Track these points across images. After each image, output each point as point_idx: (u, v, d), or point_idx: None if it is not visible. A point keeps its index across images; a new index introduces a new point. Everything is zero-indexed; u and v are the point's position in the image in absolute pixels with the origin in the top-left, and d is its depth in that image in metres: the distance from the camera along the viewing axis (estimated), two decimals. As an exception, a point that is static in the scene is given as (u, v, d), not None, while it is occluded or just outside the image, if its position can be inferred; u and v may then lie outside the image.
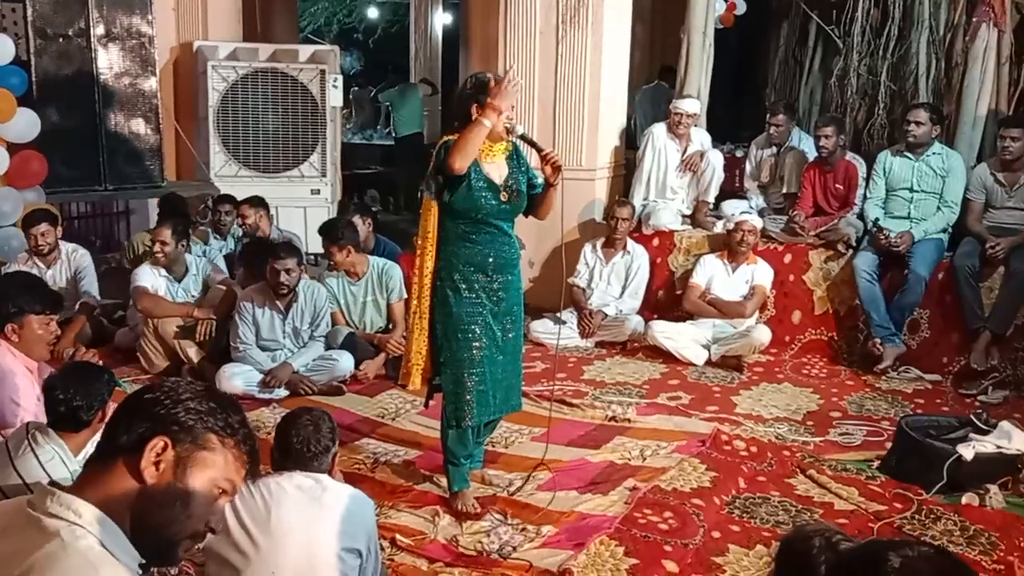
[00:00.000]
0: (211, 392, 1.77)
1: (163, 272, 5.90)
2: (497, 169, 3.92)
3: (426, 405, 4.43)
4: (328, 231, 6.06)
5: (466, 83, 3.93)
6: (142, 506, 1.65)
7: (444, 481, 4.27)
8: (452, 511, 4.00)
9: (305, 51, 8.72)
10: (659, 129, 7.31)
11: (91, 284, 6.33)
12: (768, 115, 7.39)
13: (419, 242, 3.98)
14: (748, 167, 7.56)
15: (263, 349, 5.62)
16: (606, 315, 6.72)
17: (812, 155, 6.98)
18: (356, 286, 6.02)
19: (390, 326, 6.13)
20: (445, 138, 3.87)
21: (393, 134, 13.64)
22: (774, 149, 7.33)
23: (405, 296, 5.89)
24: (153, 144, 7.61)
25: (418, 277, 3.98)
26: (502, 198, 3.89)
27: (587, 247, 7.02)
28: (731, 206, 7.24)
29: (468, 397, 3.95)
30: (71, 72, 7.19)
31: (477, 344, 3.94)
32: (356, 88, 15.75)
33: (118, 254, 7.07)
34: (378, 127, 15.58)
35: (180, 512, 1.67)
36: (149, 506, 1.65)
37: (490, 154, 3.90)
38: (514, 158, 3.99)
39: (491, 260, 3.94)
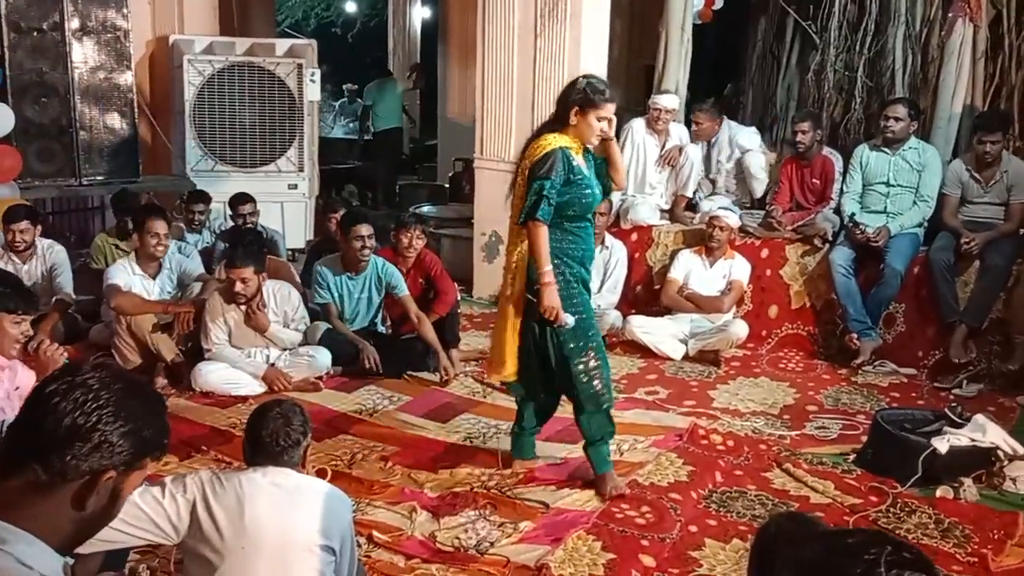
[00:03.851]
0: (133, 407, 1.65)
1: (137, 270, 5.83)
2: (584, 163, 4.07)
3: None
4: (367, 217, 6.12)
5: (577, 81, 4.07)
6: (75, 528, 1.62)
7: (421, 476, 4.28)
8: (601, 494, 4.09)
9: (282, 45, 8.67)
10: (638, 124, 7.31)
11: (66, 281, 6.26)
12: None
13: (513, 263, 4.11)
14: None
15: (235, 347, 5.58)
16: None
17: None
18: (354, 281, 5.97)
19: (385, 323, 6.18)
20: (546, 147, 3.96)
21: (371, 128, 13.58)
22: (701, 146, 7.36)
23: (408, 292, 5.92)
24: (128, 138, 7.57)
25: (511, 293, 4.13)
26: (596, 190, 4.09)
27: (565, 242, 7.00)
28: (708, 201, 7.26)
29: (603, 380, 4.12)
30: (45, 66, 7.14)
31: (593, 330, 4.14)
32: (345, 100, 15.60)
33: (90, 251, 7.00)
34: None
35: (110, 517, 1.67)
36: (86, 527, 1.64)
37: (579, 151, 4.05)
38: (585, 151, 4.12)
39: (589, 254, 4.17)
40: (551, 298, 3.94)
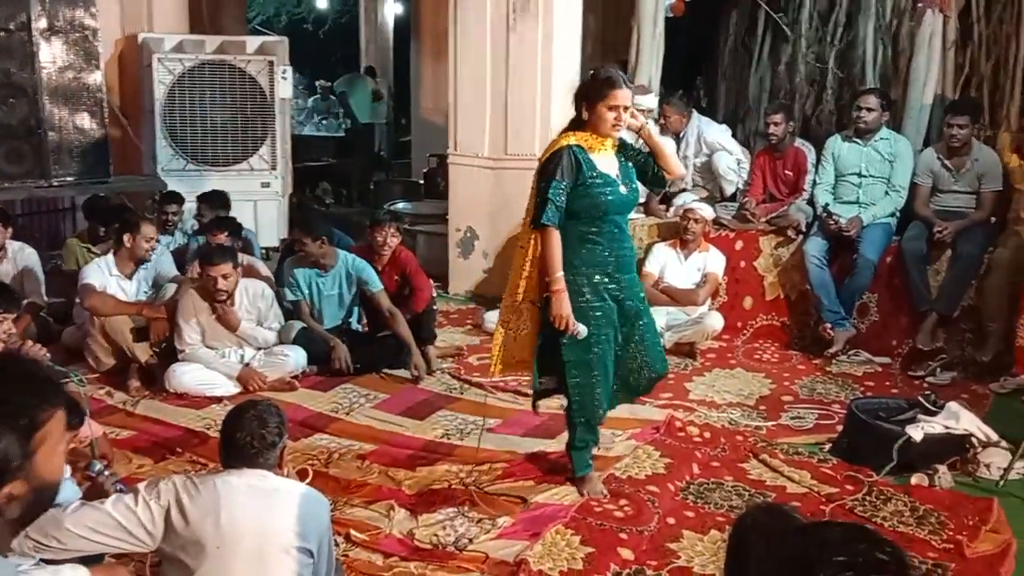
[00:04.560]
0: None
1: (114, 270, 5.79)
2: (609, 161, 3.90)
3: (534, 408, 4.38)
4: (304, 224, 6.06)
5: (588, 75, 3.93)
6: (24, 514, 1.62)
7: (399, 474, 4.27)
8: (580, 494, 4.06)
9: (253, 42, 8.61)
10: None
11: (38, 283, 6.22)
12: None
13: (519, 262, 3.99)
14: None
15: (210, 348, 5.53)
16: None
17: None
18: (324, 279, 5.93)
19: (361, 321, 6.16)
20: (554, 148, 3.87)
21: (345, 125, 13.53)
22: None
23: (382, 287, 5.87)
24: (99, 138, 7.48)
25: (510, 295, 4.04)
26: (621, 190, 3.88)
27: (540, 237, 6.99)
28: (683, 196, 7.26)
29: (595, 396, 3.99)
30: (13, 66, 7.04)
31: (599, 347, 3.93)
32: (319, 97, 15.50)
33: (61, 253, 6.94)
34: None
35: (51, 480, 1.63)
36: (33, 506, 1.62)
37: (601, 148, 3.88)
38: (621, 149, 3.98)
39: (612, 259, 3.92)
40: (559, 306, 3.81)
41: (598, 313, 3.91)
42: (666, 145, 4.11)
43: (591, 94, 3.82)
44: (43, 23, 7.12)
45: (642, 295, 4.12)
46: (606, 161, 3.89)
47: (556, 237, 3.83)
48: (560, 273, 3.82)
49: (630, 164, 4.00)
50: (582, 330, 3.84)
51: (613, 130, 3.84)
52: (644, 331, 4.10)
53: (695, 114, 7.40)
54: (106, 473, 2.92)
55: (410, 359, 5.70)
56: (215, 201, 7.08)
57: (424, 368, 5.71)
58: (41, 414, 1.59)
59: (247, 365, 5.50)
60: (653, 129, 3.95)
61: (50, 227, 8.65)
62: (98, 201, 7.06)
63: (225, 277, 5.39)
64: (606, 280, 3.92)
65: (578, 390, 4.00)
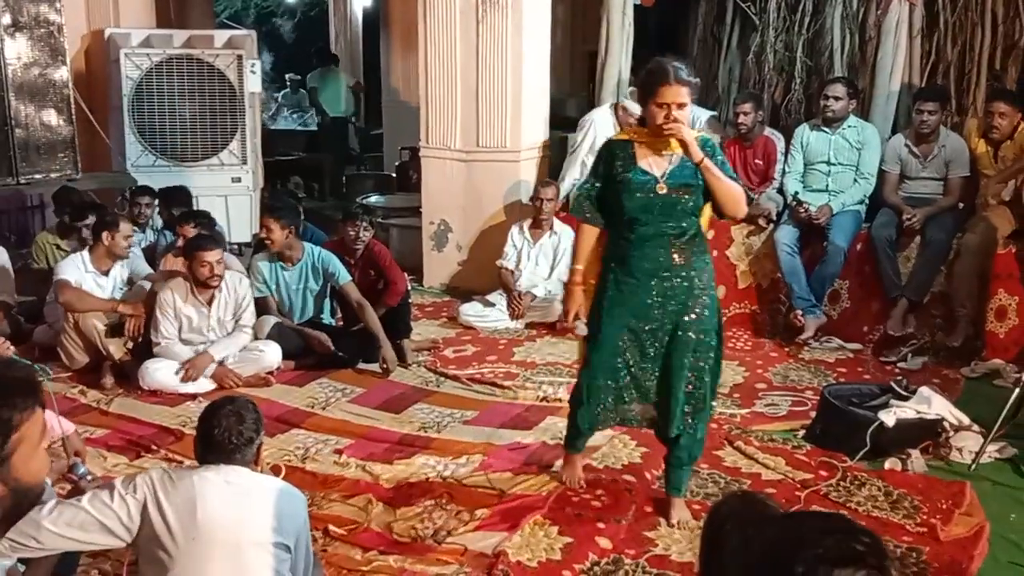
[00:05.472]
0: None
1: (90, 267, 5.74)
2: (658, 162, 3.62)
3: None
4: (272, 208, 6.02)
5: (644, 70, 3.73)
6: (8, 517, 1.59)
7: (376, 468, 4.27)
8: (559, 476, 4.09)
9: (221, 36, 8.54)
10: (602, 118, 7.27)
11: (8, 282, 6.15)
12: None
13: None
14: None
15: (186, 343, 5.49)
16: (535, 296, 6.72)
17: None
18: (290, 272, 5.90)
19: (335, 315, 6.16)
20: (619, 138, 3.84)
21: (317, 121, 13.44)
22: None
23: (350, 278, 5.85)
24: (66, 135, 7.40)
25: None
26: (659, 190, 3.57)
27: (514, 228, 7.01)
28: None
29: (593, 399, 3.84)
30: (-23, 64, 6.96)
31: (611, 354, 3.74)
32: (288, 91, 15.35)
33: (31, 251, 6.87)
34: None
35: (34, 495, 1.62)
36: (7, 521, 1.59)
37: (656, 145, 3.61)
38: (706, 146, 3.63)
39: (645, 264, 3.64)
40: (568, 299, 3.87)
41: (616, 311, 3.70)
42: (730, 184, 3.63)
43: (642, 91, 3.61)
44: (7, 19, 7.02)
45: (696, 321, 3.66)
46: (655, 159, 3.61)
47: (585, 231, 3.81)
48: (579, 266, 3.83)
49: (694, 174, 3.60)
50: (581, 328, 3.83)
51: (663, 129, 3.51)
52: (670, 375, 3.71)
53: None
54: (88, 477, 2.90)
55: (380, 351, 5.69)
56: (174, 199, 7.01)
57: (394, 360, 5.68)
58: (16, 416, 1.57)
59: (222, 362, 5.47)
60: (714, 167, 3.59)
61: (19, 225, 8.54)
62: (68, 192, 6.97)
63: (218, 262, 5.41)
64: (633, 283, 3.66)
65: (582, 382, 3.87)
